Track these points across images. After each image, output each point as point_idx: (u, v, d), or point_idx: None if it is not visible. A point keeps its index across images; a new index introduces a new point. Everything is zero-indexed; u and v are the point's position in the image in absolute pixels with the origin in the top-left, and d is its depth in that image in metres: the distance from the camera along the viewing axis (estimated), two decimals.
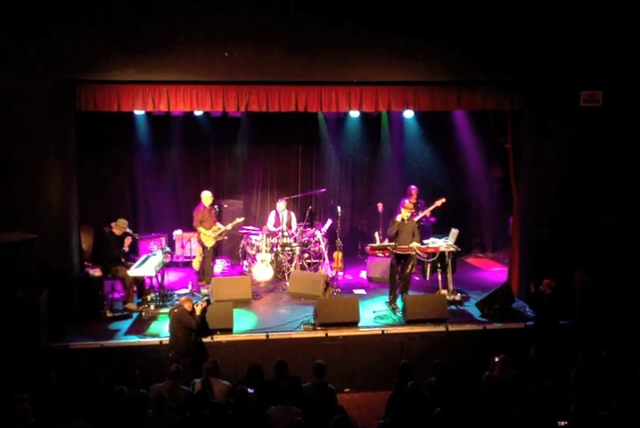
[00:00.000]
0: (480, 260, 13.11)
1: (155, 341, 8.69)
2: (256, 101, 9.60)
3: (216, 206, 11.13)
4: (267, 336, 8.91)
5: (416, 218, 10.75)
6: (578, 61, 9.65)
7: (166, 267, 10.32)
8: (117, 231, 10.05)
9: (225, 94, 9.54)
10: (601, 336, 8.55)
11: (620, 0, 9.59)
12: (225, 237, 11.40)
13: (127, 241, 10.10)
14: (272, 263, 11.23)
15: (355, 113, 11.40)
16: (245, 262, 11.79)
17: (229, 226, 11.01)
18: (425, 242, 10.40)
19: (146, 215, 12.78)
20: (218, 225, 10.96)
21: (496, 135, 12.18)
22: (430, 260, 10.46)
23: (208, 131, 12.41)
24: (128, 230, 10.08)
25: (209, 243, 10.85)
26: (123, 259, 10.03)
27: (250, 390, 6.23)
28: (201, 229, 10.80)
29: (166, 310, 9.31)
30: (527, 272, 10.19)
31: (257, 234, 11.58)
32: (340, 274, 11.33)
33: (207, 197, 10.88)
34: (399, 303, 9.82)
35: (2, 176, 8.88)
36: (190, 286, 10.71)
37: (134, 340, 8.77)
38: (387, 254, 10.12)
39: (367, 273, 11.61)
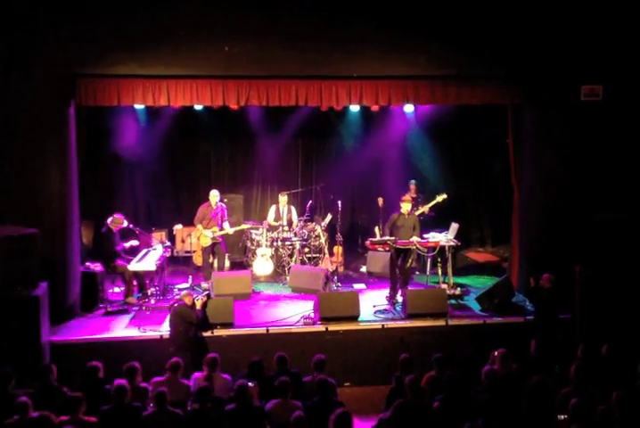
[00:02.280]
0: (480, 255, 13.10)
1: (155, 335, 8.70)
2: (256, 95, 9.56)
3: (222, 204, 10.88)
4: (268, 331, 8.92)
5: (417, 213, 10.75)
6: (578, 56, 9.64)
7: (166, 261, 10.32)
8: (113, 227, 10.03)
9: (225, 89, 9.49)
10: (601, 330, 8.56)
11: None
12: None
13: (133, 243, 10.09)
14: (272, 257, 11.23)
15: (355, 107, 11.36)
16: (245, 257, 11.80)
17: (231, 231, 10.85)
18: (425, 236, 10.40)
19: (146, 209, 12.76)
20: (225, 225, 10.77)
21: (497, 130, 12.14)
22: (431, 255, 10.49)
23: (208, 125, 12.37)
24: (125, 225, 10.04)
25: (205, 242, 10.73)
26: (122, 254, 10.03)
27: (250, 384, 6.24)
28: (199, 227, 10.71)
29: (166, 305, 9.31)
30: (527, 266, 10.20)
31: (257, 229, 11.56)
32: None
33: (212, 196, 10.75)
34: (399, 297, 9.83)
35: (2, 171, 8.88)
36: (190, 281, 10.72)
37: (134, 334, 8.77)
38: (387, 249, 10.12)
39: (367, 267, 11.61)
